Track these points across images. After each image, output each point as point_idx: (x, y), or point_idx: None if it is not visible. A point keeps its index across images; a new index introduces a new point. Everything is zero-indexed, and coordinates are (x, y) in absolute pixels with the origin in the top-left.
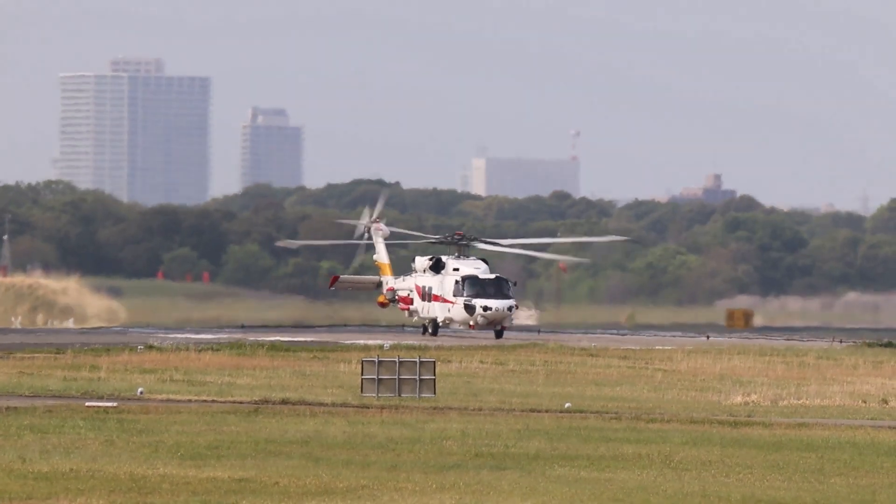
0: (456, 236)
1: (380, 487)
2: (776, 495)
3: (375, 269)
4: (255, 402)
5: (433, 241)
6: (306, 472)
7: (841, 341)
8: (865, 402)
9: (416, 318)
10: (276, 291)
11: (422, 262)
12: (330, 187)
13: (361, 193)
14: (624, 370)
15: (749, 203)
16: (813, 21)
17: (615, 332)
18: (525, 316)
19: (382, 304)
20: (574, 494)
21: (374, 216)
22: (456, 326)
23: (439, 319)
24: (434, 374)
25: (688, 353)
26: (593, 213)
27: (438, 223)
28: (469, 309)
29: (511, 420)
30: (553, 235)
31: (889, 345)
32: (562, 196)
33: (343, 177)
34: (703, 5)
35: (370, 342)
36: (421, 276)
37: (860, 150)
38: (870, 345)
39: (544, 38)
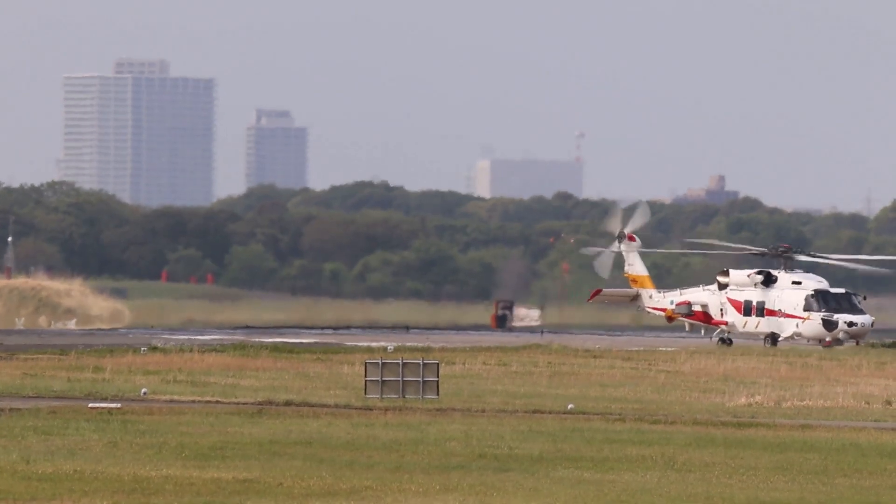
0: (781, 248)
1: (383, 489)
2: (780, 497)
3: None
4: (259, 404)
5: (756, 252)
6: (310, 474)
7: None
8: (869, 404)
9: (706, 332)
10: (280, 293)
11: (741, 275)
12: (334, 189)
13: (366, 195)
14: (627, 371)
15: (752, 204)
16: (817, 23)
17: (619, 333)
18: (528, 316)
19: (671, 319)
20: (578, 496)
21: (627, 227)
22: (803, 342)
23: (784, 335)
24: (437, 376)
25: (691, 354)
26: (597, 214)
27: (442, 224)
28: (829, 325)
29: (514, 421)
30: (557, 236)
31: (893, 346)
32: (566, 197)
33: (347, 178)
34: (706, 7)
35: (374, 344)
36: (740, 290)
37: (863, 151)
38: (873, 346)
39: (548, 40)
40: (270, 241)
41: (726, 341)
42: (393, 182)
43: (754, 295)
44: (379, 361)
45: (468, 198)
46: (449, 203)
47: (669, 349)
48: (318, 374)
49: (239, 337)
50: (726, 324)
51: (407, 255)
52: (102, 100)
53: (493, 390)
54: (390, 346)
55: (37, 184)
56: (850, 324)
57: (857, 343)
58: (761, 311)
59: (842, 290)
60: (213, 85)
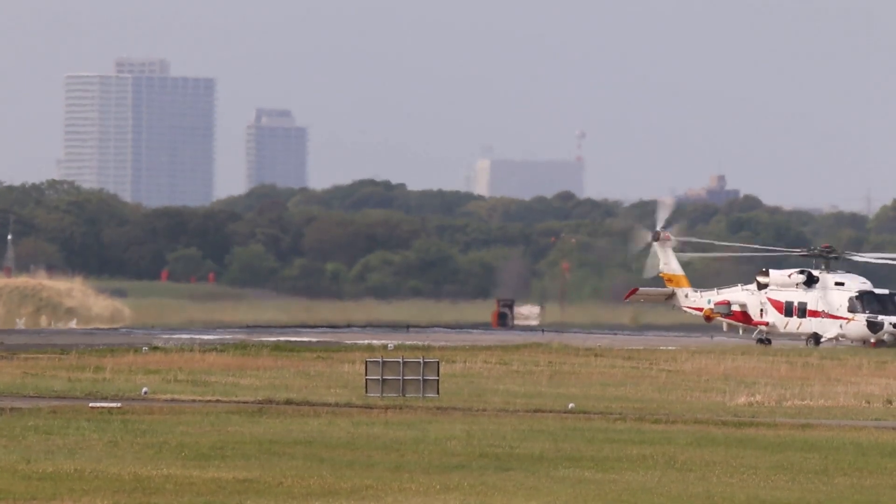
0: (823, 249)
1: (384, 488)
2: (780, 496)
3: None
4: (259, 403)
5: (801, 254)
6: (310, 473)
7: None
8: (869, 403)
9: (744, 332)
10: (280, 292)
11: (781, 275)
12: (335, 188)
13: (366, 195)
14: (628, 371)
15: (752, 203)
16: (816, 22)
17: (619, 332)
18: (530, 315)
19: (709, 318)
20: (578, 495)
21: (661, 225)
22: (847, 343)
23: (827, 335)
24: (438, 375)
25: (692, 353)
26: (598, 214)
27: (443, 224)
28: (874, 326)
29: (515, 421)
30: (558, 236)
31: (893, 345)
32: (566, 196)
33: (348, 178)
34: (706, 7)
35: (374, 342)
36: (780, 291)
37: (863, 149)
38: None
39: (549, 39)
40: (271, 241)
41: (765, 341)
42: (393, 181)
43: (795, 295)
44: (379, 360)
45: (469, 197)
46: (449, 203)
47: (670, 348)
48: (318, 373)
49: (240, 336)
50: (767, 324)
51: (407, 254)
52: (103, 99)
53: (494, 389)
54: (391, 344)
55: (37, 183)
56: None
57: None
58: (803, 311)
59: (886, 291)
60: (213, 84)
